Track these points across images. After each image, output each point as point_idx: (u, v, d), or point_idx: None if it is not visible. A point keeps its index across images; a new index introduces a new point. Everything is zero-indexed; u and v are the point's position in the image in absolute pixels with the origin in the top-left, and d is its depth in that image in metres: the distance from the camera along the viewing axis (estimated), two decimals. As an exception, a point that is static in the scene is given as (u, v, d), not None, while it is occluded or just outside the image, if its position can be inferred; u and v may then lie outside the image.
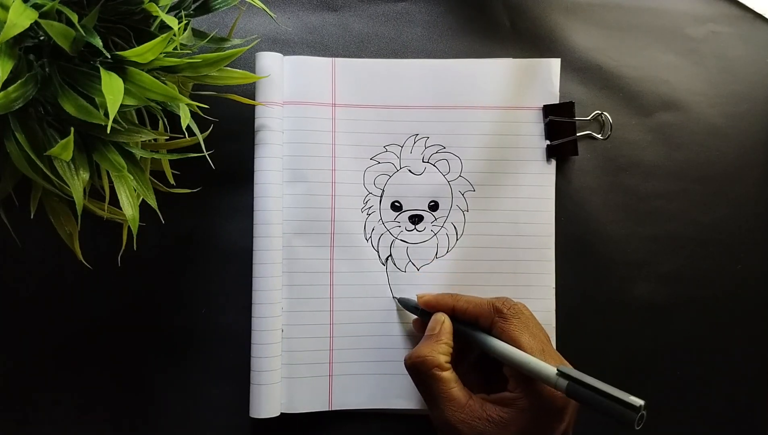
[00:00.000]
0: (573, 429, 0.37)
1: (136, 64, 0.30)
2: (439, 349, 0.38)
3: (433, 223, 0.45)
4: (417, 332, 0.43)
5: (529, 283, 0.45)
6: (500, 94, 0.46)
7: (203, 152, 0.36)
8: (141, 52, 0.30)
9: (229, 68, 0.36)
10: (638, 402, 0.30)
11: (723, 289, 0.47)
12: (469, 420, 0.35)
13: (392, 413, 0.44)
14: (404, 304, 0.44)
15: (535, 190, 0.46)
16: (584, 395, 0.32)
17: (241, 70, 0.37)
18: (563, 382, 0.33)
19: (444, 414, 0.36)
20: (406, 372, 0.43)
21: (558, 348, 0.44)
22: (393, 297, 0.44)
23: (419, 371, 0.37)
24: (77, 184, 0.31)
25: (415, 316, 0.43)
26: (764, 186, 0.48)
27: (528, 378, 0.35)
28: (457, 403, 0.36)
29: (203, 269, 0.44)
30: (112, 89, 0.28)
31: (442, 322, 0.39)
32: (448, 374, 0.37)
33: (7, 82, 0.27)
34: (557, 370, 0.34)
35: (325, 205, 0.44)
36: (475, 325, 0.39)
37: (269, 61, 0.44)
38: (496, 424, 0.35)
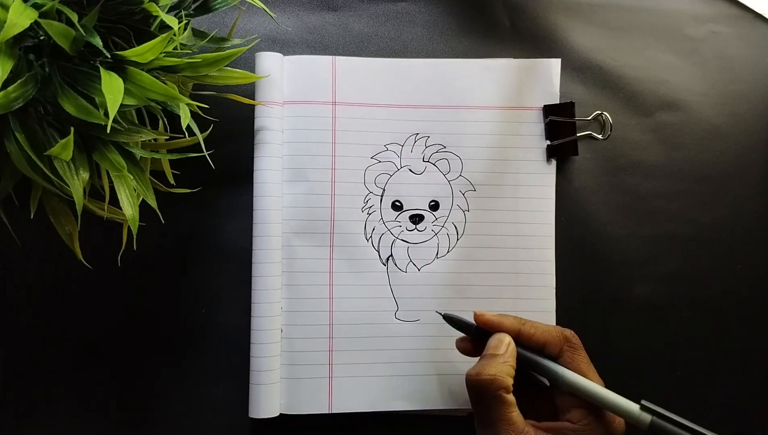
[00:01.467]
0: None
1: (136, 64, 0.30)
2: (507, 370, 0.36)
3: (433, 223, 0.45)
4: (462, 352, 0.40)
5: (529, 283, 0.45)
6: (500, 94, 0.46)
7: (203, 152, 0.36)
8: (141, 52, 0.30)
9: (229, 68, 0.36)
10: None
11: (723, 289, 0.47)
12: None
13: (392, 414, 0.44)
14: (450, 319, 0.40)
15: (535, 190, 0.46)
16: (669, 431, 0.33)
17: (241, 70, 0.37)
18: (646, 417, 0.34)
19: None
20: (407, 373, 0.44)
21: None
22: (436, 311, 0.41)
23: (485, 390, 0.35)
24: (77, 184, 0.31)
25: (462, 337, 0.41)
26: (764, 186, 0.48)
27: (595, 411, 0.36)
28: (516, 429, 0.35)
29: (203, 269, 0.44)
30: (112, 89, 0.28)
31: (507, 344, 0.37)
32: (511, 397, 0.36)
33: (7, 82, 0.27)
34: (641, 404, 0.34)
35: (325, 204, 0.44)
36: (540, 353, 0.38)
37: (269, 61, 0.44)
38: None
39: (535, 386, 0.39)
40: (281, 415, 0.42)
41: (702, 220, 0.47)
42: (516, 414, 0.35)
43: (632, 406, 0.34)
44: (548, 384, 0.38)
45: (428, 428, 0.44)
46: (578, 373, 0.37)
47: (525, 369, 0.38)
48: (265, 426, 0.43)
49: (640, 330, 0.46)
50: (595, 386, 0.36)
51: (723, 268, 0.47)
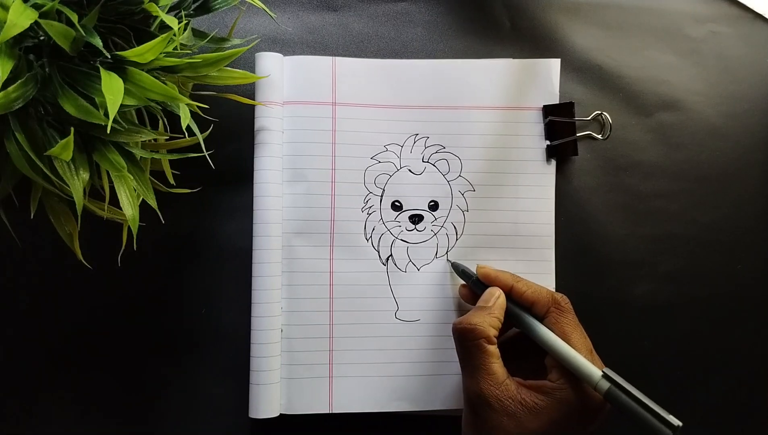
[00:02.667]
0: (598, 431, 0.37)
1: (136, 64, 0.30)
2: (491, 321, 0.38)
3: (433, 223, 0.45)
4: (462, 299, 0.44)
5: (529, 283, 0.45)
6: (500, 94, 0.46)
7: (203, 152, 0.36)
8: (141, 52, 0.30)
9: (229, 68, 0.36)
10: (676, 422, 0.31)
11: (723, 289, 0.47)
12: (502, 398, 0.36)
13: (392, 414, 0.44)
14: (457, 268, 0.44)
15: (535, 190, 0.46)
16: (623, 402, 0.33)
17: (241, 70, 0.37)
18: (604, 385, 0.34)
19: (479, 385, 0.36)
20: (407, 374, 0.44)
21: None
22: (447, 260, 0.45)
23: (466, 338, 0.37)
24: (77, 184, 0.31)
25: (464, 283, 0.43)
26: (764, 186, 0.48)
27: (571, 373, 0.36)
28: (495, 379, 0.36)
29: (203, 269, 0.44)
30: (112, 89, 0.28)
31: (497, 297, 0.39)
32: (493, 348, 0.37)
33: (7, 82, 0.27)
34: (603, 372, 0.35)
35: (325, 204, 0.44)
36: (527, 310, 0.39)
37: (269, 61, 0.44)
38: (529, 409, 0.36)
39: (535, 348, 0.40)
40: (281, 415, 0.42)
41: (702, 220, 0.47)
42: (497, 365, 0.37)
43: (594, 373, 0.35)
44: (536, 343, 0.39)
45: (428, 428, 0.44)
46: (560, 335, 0.37)
47: (511, 322, 0.40)
48: (265, 426, 0.43)
49: (640, 330, 0.46)
50: (564, 347, 0.36)
51: (723, 268, 0.47)
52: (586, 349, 0.37)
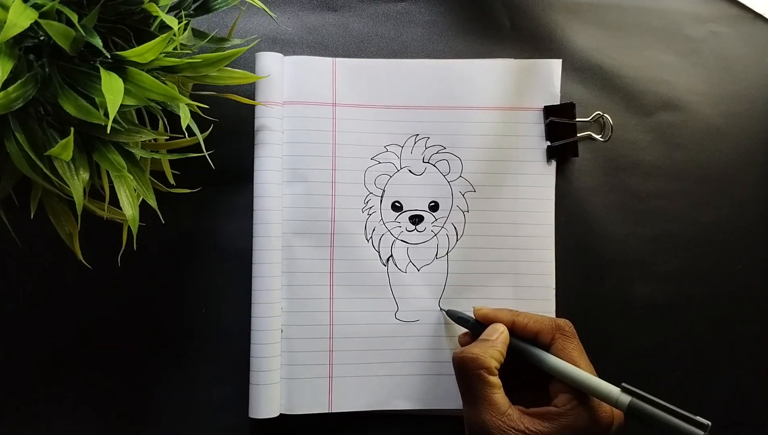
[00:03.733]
0: None
1: (136, 64, 0.30)
2: (492, 353, 0.37)
3: (433, 224, 0.45)
4: (461, 344, 0.42)
5: (529, 283, 0.45)
6: (501, 95, 0.46)
7: (203, 152, 0.36)
8: (141, 52, 0.30)
9: (229, 68, 0.36)
10: (705, 422, 0.31)
11: (723, 289, 0.47)
12: (504, 427, 0.35)
13: (392, 414, 0.44)
14: (453, 316, 0.43)
15: (535, 190, 0.46)
16: (648, 412, 0.33)
17: (241, 70, 0.37)
18: (625, 399, 0.34)
19: (481, 416, 0.36)
20: (407, 373, 0.44)
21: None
22: (440, 309, 0.44)
23: (467, 368, 0.37)
24: (77, 184, 0.31)
25: (464, 332, 0.43)
26: (764, 186, 0.48)
27: (580, 396, 0.36)
28: (497, 409, 0.36)
29: (203, 269, 0.44)
30: (112, 89, 0.28)
31: (500, 332, 0.39)
32: (495, 379, 0.37)
33: (7, 82, 0.27)
34: (621, 386, 0.34)
35: (325, 205, 0.44)
36: (532, 341, 0.39)
37: (269, 61, 0.44)
38: None
39: (536, 377, 0.40)
40: (281, 415, 0.42)
41: (702, 220, 0.47)
42: (499, 395, 0.36)
43: (612, 389, 0.35)
44: (544, 371, 0.39)
45: (428, 428, 0.44)
46: (568, 361, 0.37)
47: (518, 357, 0.39)
48: (265, 426, 0.43)
49: (640, 330, 0.46)
50: (577, 371, 0.36)
51: (723, 268, 0.47)
52: (592, 373, 0.37)
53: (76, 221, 0.34)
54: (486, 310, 0.41)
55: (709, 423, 0.31)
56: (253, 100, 0.43)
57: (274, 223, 0.43)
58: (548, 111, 0.46)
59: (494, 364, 0.37)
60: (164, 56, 0.31)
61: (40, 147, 0.31)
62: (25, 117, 0.31)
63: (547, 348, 0.39)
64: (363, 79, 0.45)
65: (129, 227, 0.33)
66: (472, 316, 0.42)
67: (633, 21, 0.48)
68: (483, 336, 0.39)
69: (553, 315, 0.45)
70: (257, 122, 0.44)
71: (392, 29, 0.47)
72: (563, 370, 0.37)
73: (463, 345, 0.42)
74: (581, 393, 0.36)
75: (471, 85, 0.46)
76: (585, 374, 0.36)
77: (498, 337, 0.39)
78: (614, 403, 0.34)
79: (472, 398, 0.37)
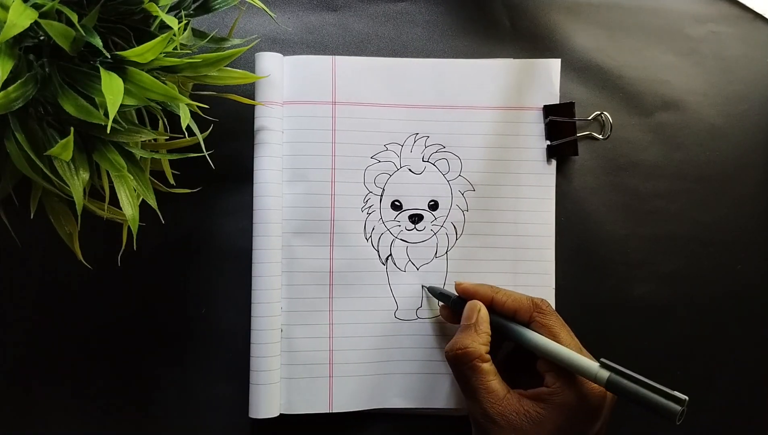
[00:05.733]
0: (607, 430, 0.37)
1: (136, 64, 0.30)
2: (480, 339, 0.38)
3: (432, 223, 0.45)
4: (445, 320, 0.43)
5: (529, 283, 0.45)
6: (500, 94, 0.46)
7: (203, 152, 0.36)
8: (141, 52, 0.30)
9: (229, 68, 0.36)
10: (683, 396, 0.31)
11: (723, 289, 0.47)
12: (506, 413, 0.36)
13: (392, 414, 0.44)
14: (433, 292, 0.44)
15: (535, 190, 0.46)
16: (626, 387, 0.33)
17: (241, 70, 0.37)
18: (604, 374, 0.33)
19: (482, 406, 0.36)
20: (407, 372, 0.44)
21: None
22: (422, 286, 0.44)
23: (461, 362, 0.37)
24: (77, 184, 0.31)
25: (443, 304, 0.43)
26: (764, 186, 0.48)
27: (566, 373, 0.36)
28: (495, 396, 0.36)
29: (203, 269, 0.44)
30: (112, 89, 0.28)
31: (478, 310, 0.39)
32: (488, 366, 0.37)
33: (7, 82, 0.27)
34: (600, 361, 0.34)
35: (325, 204, 0.44)
36: (511, 319, 0.39)
37: (269, 61, 0.44)
38: (533, 420, 0.35)
39: (528, 358, 0.40)
40: (281, 415, 0.42)
41: (702, 220, 0.47)
42: (495, 382, 0.36)
43: (591, 365, 0.34)
44: (526, 349, 0.38)
45: (428, 427, 0.44)
46: (548, 336, 0.37)
47: (498, 333, 0.39)
48: (265, 426, 0.43)
49: (640, 330, 0.46)
50: (556, 346, 0.36)
51: (723, 268, 0.47)
52: (576, 347, 0.37)
53: (76, 221, 0.34)
54: (466, 284, 0.41)
55: (686, 398, 0.31)
56: (253, 100, 0.43)
57: (274, 222, 0.43)
58: (548, 110, 0.46)
59: (484, 350, 0.37)
60: (164, 56, 0.31)
61: (40, 147, 0.31)
62: (25, 117, 0.31)
63: (527, 326, 0.39)
64: (363, 78, 0.45)
65: (129, 227, 0.33)
66: (454, 292, 0.42)
67: (633, 21, 0.48)
68: (464, 320, 0.39)
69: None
70: (257, 122, 0.44)
71: (392, 29, 0.47)
72: (543, 346, 0.37)
73: (444, 317, 0.43)
74: (566, 370, 0.36)
75: (471, 84, 0.46)
76: (564, 350, 0.36)
77: (477, 317, 0.39)
78: (593, 378, 0.34)
79: (471, 389, 0.37)
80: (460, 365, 0.38)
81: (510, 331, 0.39)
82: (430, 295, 0.44)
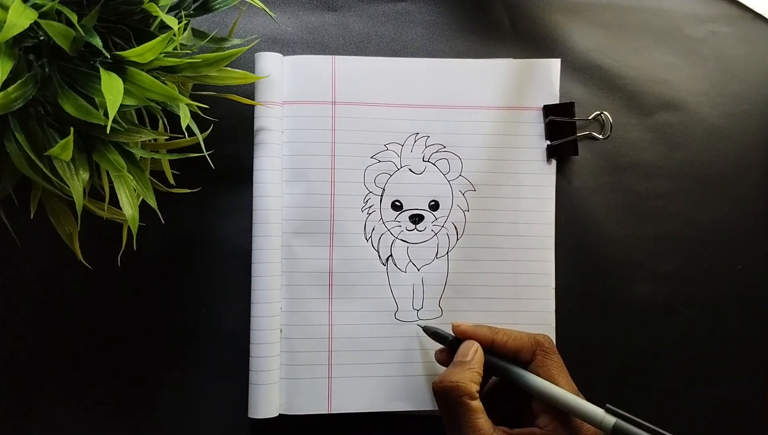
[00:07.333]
0: None
1: (136, 64, 0.30)
2: (471, 377, 0.37)
3: (433, 223, 0.45)
4: (441, 364, 0.42)
5: (529, 283, 0.45)
6: (500, 94, 0.46)
7: (203, 152, 0.36)
8: (141, 52, 0.30)
9: (228, 68, 0.36)
10: None
11: (723, 289, 0.47)
12: None
13: (392, 415, 0.44)
14: (429, 331, 0.42)
15: (535, 190, 0.46)
16: (632, 433, 0.32)
17: (240, 71, 0.37)
18: (610, 420, 0.33)
19: None
20: (407, 374, 0.44)
21: (558, 348, 0.44)
22: (417, 324, 0.43)
23: (449, 397, 0.36)
24: (77, 184, 0.31)
25: (438, 350, 0.42)
26: (764, 186, 0.48)
27: (562, 416, 0.36)
28: (481, 434, 0.35)
29: (203, 269, 0.44)
30: (112, 89, 0.28)
31: (474, 350, 0.38)
32: (477, 404, 0.36)
33: (7, 82, 0.27)
34: (605, 407, 0.34)
35: (325, 204, 0.44)
36: (512, 359, 0.39)
37: (269, 62, 0.44)
38: None
39: (518, 393, 0.39)
40: (280, 415, 0.42)
41: (702, 220, 0.47)
42: (482, 420, 0.36)
43: (596, 411, 0.34)
44: (524, 390, 0.38)
45: (428, 429, 0.44)
46: (547, 378, 0.37)
47: (497, 376, 0.39)
48: (265, 426, 0.43)
49: (640, 330, 0.46)
50: (559, 391, 0.36)
51: (723, 268, 0.47)
52: (573, 391, 0.37)
53: (76, 221, 0.34)
54: (465, 326, 0.40)
55: None
56: (253, 100, 0.43)
57: (273, 222, 0.43)
58: (548, 110, 0.46)
59: (474, 388, 0.36)
60: (164, 56, 0.31)
61: (40, 147, 0.31)
62: (25, 117, 0.31)
63: (528, 365, 0.38)
64: (363, 77, 0.45)
65: (129, 227, 0.33)
66: (449, 332, 0.41)
67: (633, 21, 0.48)
68: (458, 357, 0.38)
69: (553, 315, 0.45)
70: (257, 122, 0.44)
71: (392, 29, 0.47)
72: (545, 390, 0.36)
73: (440, 362, 0.42)
74: (563, 413, 0.36)
75: (471, 84, 0.46)
76: (568, 395, 0.36)
77: (473, 356, 0.38)
78: (598, 425, 0.34)
79: (457, 426, 0.36)
80: (448, 399, 0.36)
81: (510, 373, 0.38)
82: (424, 334, 0.43)
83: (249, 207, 0.43)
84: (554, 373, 0.37)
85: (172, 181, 0.39)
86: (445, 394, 0.37)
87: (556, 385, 0.36)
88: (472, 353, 0.38)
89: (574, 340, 0.45)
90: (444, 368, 0.40)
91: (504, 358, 0.39)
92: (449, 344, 0.41)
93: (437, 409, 0.43)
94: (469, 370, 0.37)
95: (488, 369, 0.39)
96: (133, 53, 0.30)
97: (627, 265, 0.46)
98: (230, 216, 0.44)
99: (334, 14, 0.46)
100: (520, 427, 0.37)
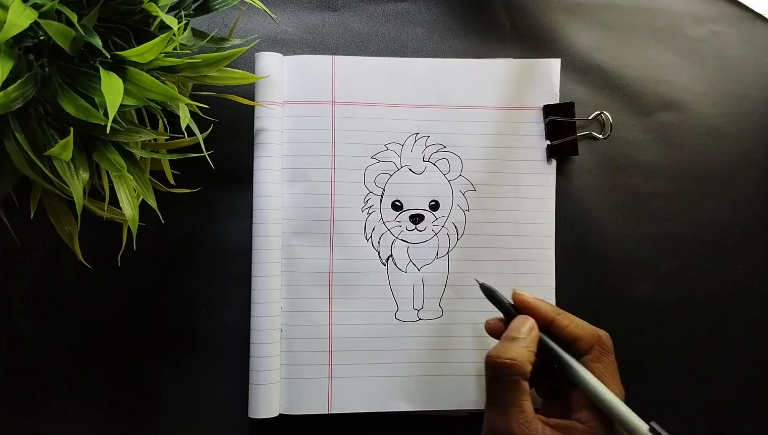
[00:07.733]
0: None
1: (135, 64, 0.30)
2: (528, 356, 0.35)
3: (433, 223, 0.45)
4: (490, 333, 0.40)
5: (529, 283, 0.45)
6: (500, 94, 0.46)
7: (203, 152, 0.36)
8: (141, 52, 0.30)
9: (228, 68, 0.36)
10: None
11: (723, 289, 0.47)
12: None
13: (392, 415, 0.44)
14: (488, 292, 0.40)
15: (535, 190, 0.46)
16: None
17: (240, 71, 0.38)
18: None
19: (509, 423, 0.34)
20: (407, 374, 0.44)
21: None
22: (476, 280, 0.41)
23: (503, 373, 0.35)
24: (77, 184, 0.31)
25: (490, 320, 0.40)
26: (764, 186, 0.48)
27: (604, 417, 0.35)
28: (525, 417, 0.34)
29: (203, 269, 0.44)
30: (112, 89, 0.28)
31: (530, 328, 0.37)
32: (527, 385, 0.35)
33: (7, 82, 0.27)
34: (650, 425, 0.33)
35: (325, 204, 0.44)
36: (567, 347, 0.37)
37: (269, 62, 0.44)
38: None
39: (554, 378, 0.39)
40: (281, 415, 0.42)
41: (702, 220, 0.47)
42: (528, 403, 0.35)
43: (641, 425, 0.34)
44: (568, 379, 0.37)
45: (428, 429, 0.44)
46: (599, 377, 0.36)
47: (546, 359, 0.38)
48: (265, 426, 0.43)
49: (640, 330, 0.46)
50: (609, 395, 0.35)
51: (723, 268, 0.47)
52: (621, 397, 0.36)
53: (76, 221, 0.34)
54: (528, 297, 0.38)
55: None
56: (253, 100, 0.43)
57: (273, 222, 0.43)
58: (548, 110, 0.46)
59: (529, 368, 0.35)
60: (164, 56, 0.31)
61: (40, 147, 0.31)
62: (25, 117, 0.31)
63: (581, 356, 0.37)
64: (363, 77, 0.45)
65: (129, 227, 0.33)
66: (509, 298, 0.39)
67: (633, 21, 0.48)
68: (512, 332, 0.37)
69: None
70: (257, 122, 0.44)
71: (392, 29, 0.47)
72: (595, 390, 0.35)
73: (490, 331, 0.39)
74: (605, 415, 0.35)
75: (471, 84, 0.46)
76: (616, 401, 0.35)
77: (528, 334, 0.36)
78: None
79: (503, 403, 0.35)
80: (502, 375, 0.35)
81: (563, 362, 0.37)
82: (485, 296, 0.40)
83: (249, 207, 0.43)
84: (607, 373, 0.36)
85: (172, 181, 0.39)
86: (501, 370, 0.35)
87: (607, 386, 0.35)
88: (528, 330, 0.37)
89: (574, 340, 0.45)
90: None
91: (558, 342, 0.37)
92: (506, 310, 0.39)
93: (437, 409, 0.44)
94: (526, 348, 0.36)
95: (539, 349, 0.37)
96: (133, 53, 0.30)
97: (627, 265, 0.46)
98: (230, 216, 0.44)
99: (334, 14, 0.46)
100: (551, 406, 0.37)
